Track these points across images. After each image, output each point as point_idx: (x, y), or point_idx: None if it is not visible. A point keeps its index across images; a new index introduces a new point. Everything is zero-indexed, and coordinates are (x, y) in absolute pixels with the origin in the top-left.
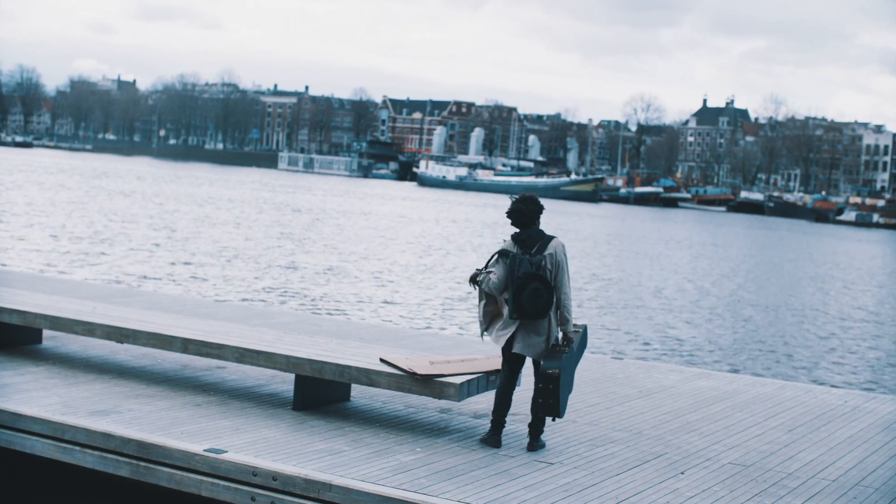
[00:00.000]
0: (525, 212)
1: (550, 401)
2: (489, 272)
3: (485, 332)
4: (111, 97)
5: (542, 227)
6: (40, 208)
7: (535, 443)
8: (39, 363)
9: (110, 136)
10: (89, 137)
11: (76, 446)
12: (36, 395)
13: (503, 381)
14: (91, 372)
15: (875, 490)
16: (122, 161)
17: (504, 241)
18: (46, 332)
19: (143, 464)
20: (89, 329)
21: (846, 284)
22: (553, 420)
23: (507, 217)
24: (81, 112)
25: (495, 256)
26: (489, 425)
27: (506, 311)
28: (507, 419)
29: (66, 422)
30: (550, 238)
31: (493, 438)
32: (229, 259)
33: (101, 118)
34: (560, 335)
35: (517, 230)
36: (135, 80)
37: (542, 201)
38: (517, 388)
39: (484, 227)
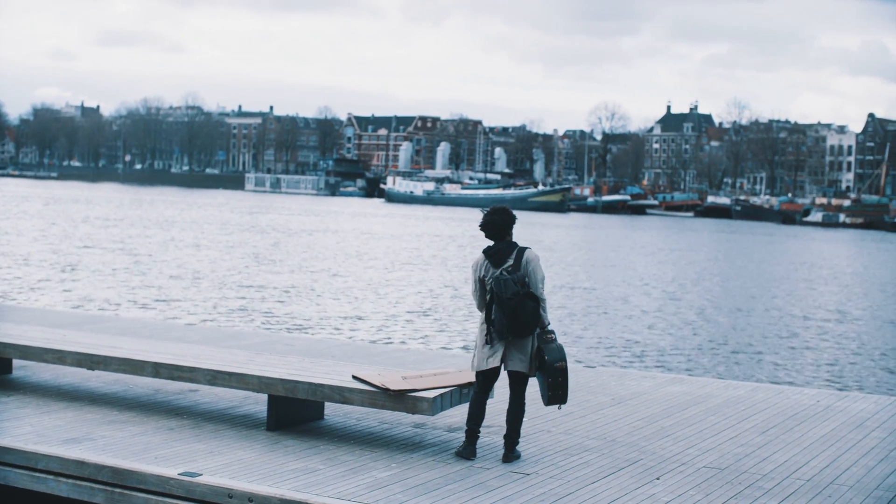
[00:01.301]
0: (498, 223)
1: (560, 392)
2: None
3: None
4: (75, 124)
5: (514, 238)
6: (4, 237)
7: (510, 454)
8: (10, 393)
9: (75, 163)
10: (54, 165)
11: (50, 475)
12: (7, 424)
13: (477, 392)
14: (63, 400)
15: (849, 488)
16: (88, 188)
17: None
18: (16, 362)
19: (118, 490)
20: (59, 357)
21: (812, 285)
22: (559, 408)
23: (481, 230)
24: (45, 140)
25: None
26: (463, 438)
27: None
28: (482, 431)
29: (38, 451)
30: (524, 249)
31: (467, 450)
32: (198, 282)
33: (66, 145)
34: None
35: (491, 243)
36: (98, 106)
37: None
38: (490, 401)
39: (450, 240)
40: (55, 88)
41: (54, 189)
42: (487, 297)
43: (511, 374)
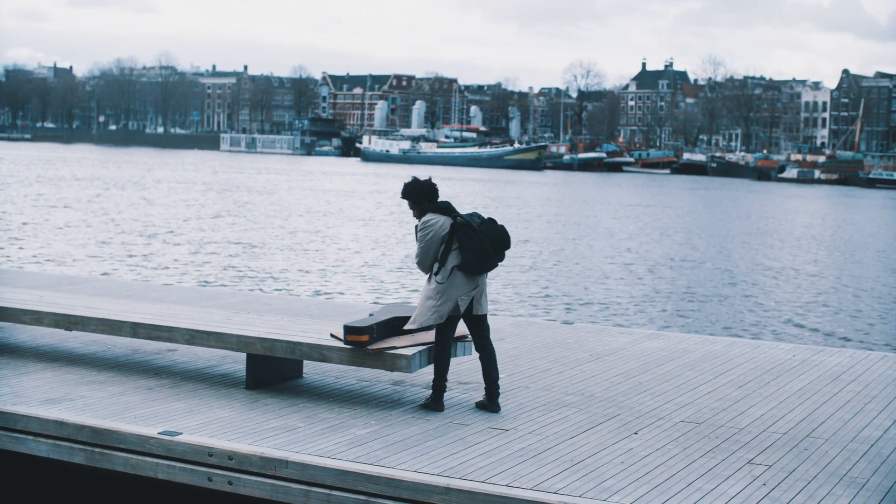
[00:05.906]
0: (422, 188)
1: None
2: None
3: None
4: (48, 85)
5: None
6: None
7: (497, 403)
8: None
9: (49, 125)
10: (27, 127)
11: (29, 436)
12: None
13: (444, 346)
14: (41, 360)
15: (825, 441)
16: (62, 149)
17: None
18: None
19: (97, 450)
20: (37, 318)
21: (786, 240)
22: None
23: (415, 198)
24: (18, 101)
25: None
26: (431, 392)
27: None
28: (459, 388)
29: (17, 411)
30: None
31: (436, 403)
32: (175, 242)
33: (39, 106)
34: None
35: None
36: (71, 67)
37: (486, 171)
38: (465, 358)
39: None
40: (27, 49)
41: (29, 150)
42: (442, 248)
43: (478, 319)
